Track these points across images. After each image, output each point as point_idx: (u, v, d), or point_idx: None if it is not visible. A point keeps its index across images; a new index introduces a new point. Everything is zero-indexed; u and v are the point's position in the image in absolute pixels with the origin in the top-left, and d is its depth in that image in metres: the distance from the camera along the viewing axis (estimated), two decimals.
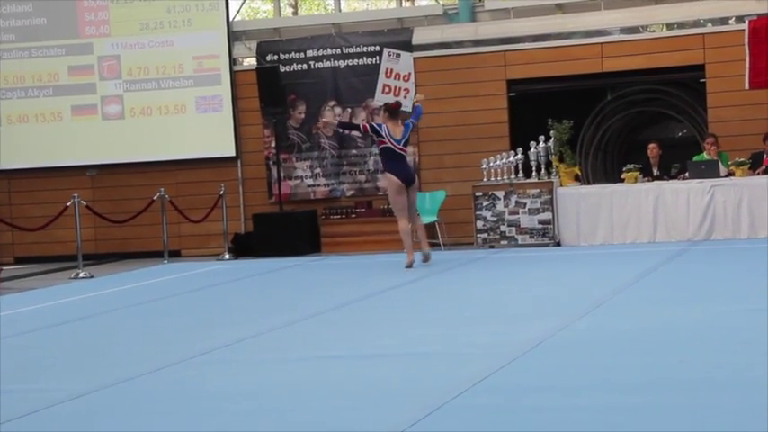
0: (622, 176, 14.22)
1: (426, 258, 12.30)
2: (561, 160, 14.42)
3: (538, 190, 14.20)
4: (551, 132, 14.38)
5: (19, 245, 17.26)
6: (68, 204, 14.75)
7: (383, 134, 12.11)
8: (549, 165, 14.43)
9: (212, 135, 16.70)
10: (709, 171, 13.81)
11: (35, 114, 17.25)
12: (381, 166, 12.80)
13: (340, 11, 17.40)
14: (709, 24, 15.38)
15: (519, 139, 15.03)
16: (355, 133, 15.65)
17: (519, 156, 14.44)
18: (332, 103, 16.27)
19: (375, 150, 16.09)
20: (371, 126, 12.42)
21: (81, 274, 14.25)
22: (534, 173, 14.39)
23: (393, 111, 12.35)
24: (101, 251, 16.82)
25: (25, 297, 12.01)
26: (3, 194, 17.44)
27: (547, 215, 14.15)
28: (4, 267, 14.58)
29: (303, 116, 16.40)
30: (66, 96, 17.11)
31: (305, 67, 16.43)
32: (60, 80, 17.13)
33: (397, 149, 12.13)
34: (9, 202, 17.39)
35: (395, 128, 12.18)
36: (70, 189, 16.03)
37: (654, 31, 15.79)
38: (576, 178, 14.47)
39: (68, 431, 5.38)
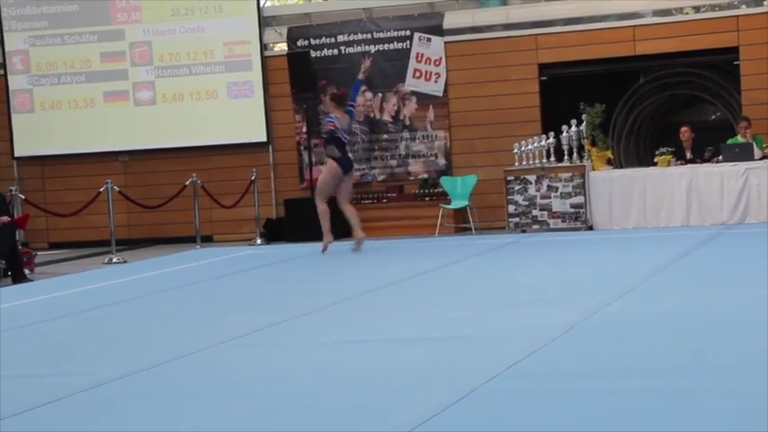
0: (655, 160, 14.13)
1: (357, 248, 12.56)
2: (593, 144, 14.35)
3: (570, 174, 14.13)
4: (583, 116, 14.30)
5: (53, 230, 17.38)
6: (101, 190, 14.85)
7: (337, 125, 12.40)
8: (581, 148, 14.35)
9: (244, 120, 16.74)
10: (744, 154, 13.71)
11: (68, 101, 17.35)
12: (325, 151, 12.93)
13: None
14: (744, 6, 15.24)
15: (551, 123, 14.96)
16: (358, 118, 15.64)
17: (551, 140, 14.38)
18: (362, 88, 16.23)
19: (407, 135, 16.15)
20: (330, 130, 12.50)
21: (114, 260, 14.35)
22: (566, 157, 14.32)
23: (340, 99, 12.66)
24: (134, 236, 16.93)
25: (59, 282, 12.09)
26: (36, 180, 17.57)
27: (579, 199, 14.08)
28: (39, 252, 14.67)
29: None
30: (98, 83, 17.20)
31: (336, 52, 16.43)
32: (92, 66, 17.22)
33: (343, 138, 12.52)
34: (43, 187, 17.51)
35: (342, 117, 12.49)
36: (103, 175, 16.15)
37: (687, 14, 15.67)
38: (609, 162, 14.38)
39: (100, 416, 5.40)
